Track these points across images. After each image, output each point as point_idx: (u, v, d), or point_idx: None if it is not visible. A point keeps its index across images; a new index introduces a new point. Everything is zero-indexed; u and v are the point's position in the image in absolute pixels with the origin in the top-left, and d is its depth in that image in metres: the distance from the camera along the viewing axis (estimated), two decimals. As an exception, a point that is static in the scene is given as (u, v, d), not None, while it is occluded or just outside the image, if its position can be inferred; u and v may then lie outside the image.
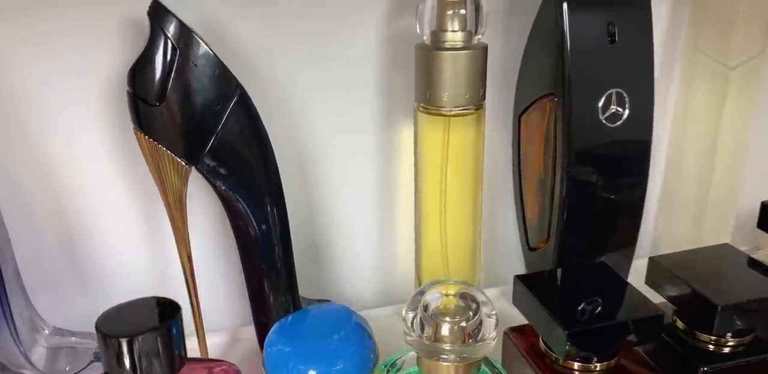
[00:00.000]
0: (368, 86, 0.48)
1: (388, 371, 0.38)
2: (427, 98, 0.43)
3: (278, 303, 0.43)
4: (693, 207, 0.55)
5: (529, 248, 0.52)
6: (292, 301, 0.43)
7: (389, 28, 0.47)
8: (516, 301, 0.41)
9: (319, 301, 0.47)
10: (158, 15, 0.36)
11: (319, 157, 0.49)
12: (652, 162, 0.57)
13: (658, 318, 0.37)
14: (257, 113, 0.39)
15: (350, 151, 0.50)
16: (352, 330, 0.35)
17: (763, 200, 0.45)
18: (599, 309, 0.37)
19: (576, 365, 0.38)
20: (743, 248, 0.48)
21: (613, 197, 0.47)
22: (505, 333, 0.42)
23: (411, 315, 0.35)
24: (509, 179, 0.53)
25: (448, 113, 0.43)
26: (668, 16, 0.54)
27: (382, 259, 0.53)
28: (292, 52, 0.46)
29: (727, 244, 0.44)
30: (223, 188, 0.39)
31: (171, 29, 0.36)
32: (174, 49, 0.36)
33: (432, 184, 0.46)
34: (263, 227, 0.40)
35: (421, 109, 0.44)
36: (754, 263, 0.41)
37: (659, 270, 0.41)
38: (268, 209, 0.41)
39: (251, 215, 0.40)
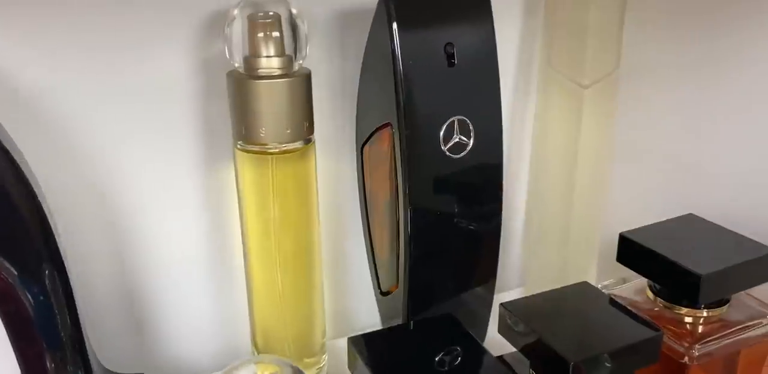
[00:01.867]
0: (183, 122, 0.42)
1: None
2: (243, 135, 0.37)
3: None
4: (557, 235, 0.51)
5: (381, 292, 0.47)
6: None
7: (202, 52, 0.40)
8: (350, 366, 0.36)
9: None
10: None
11: (132, 208, 0.42)
12: (516, 187, 0.54)
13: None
14: (13, 158, 0.32)
15: (169, 198, 0.43)
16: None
17: (621, 231, 0.42)
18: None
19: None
20: (607, 282, 0.45)
21: (465, 230, 0.43)
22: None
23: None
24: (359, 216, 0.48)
25: (269, 151, 0.38)
26: (520, 34, 0.50)
27: (218, 316, 0.47)
28: (84, 88, 0.39)
29: (585, 282, 0.40)
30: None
31: None
32: None
33: (260, 229, 0.40)
34: (41, 298, 0.33)
35: (238, 147, 0.38)
36: (616, 305, 0.38)
37: (509, 319, 0.37)
38: (46, 277, 0.34)
39: (23, 288, 0.33)
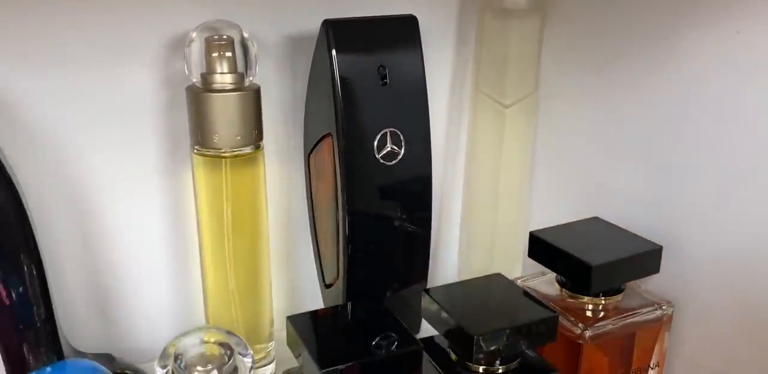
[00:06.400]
0: (147, 130, 0.47)
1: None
2: (199, 141, 0.43)
3: (39, 363, 0.41)
4: (487, 240, 0.57)
5: (325, 285, 0.52)
6: (58, 359, 0.41)
7: (165, 69, 0.46)
8: (289, 343, 0.41)
9: (97, 355, 0.45)
10: None
11: (101, 207, 0.48)
12: (452, 197, 0.60)
13: (417, 352, 0.38)
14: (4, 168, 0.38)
15: (134, 198, 0.48)
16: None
17: (532, 230, 0.48)
18: (359, 346, 0.38)
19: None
20: (523, 276, 0.51)
21: (398, 233, 0.49)
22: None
23: (162, 370, 0.34)
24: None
25: (222, 155, 0.43)
26: (454, 61, 0.57)
27: (176, 306, 0.52)
28: (60, 98, 0.44)
29: (499, 274, 0.46)
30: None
31: None
32: None
33: (214, 226, 0.46)
34: (20, 288, 0.39)
35: (195, 151, 0.44)
36: (523, 293, 0.44)
37: (429, 303, 0.43)
38: (25, 269, 0.39)
39: (5, 279, 0.38)
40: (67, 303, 0.47)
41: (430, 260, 0.52)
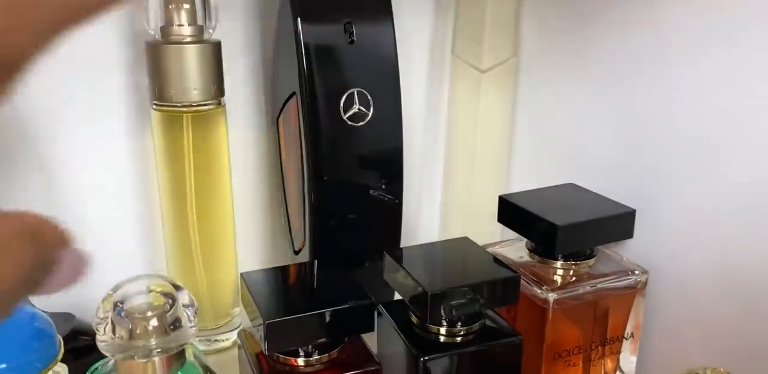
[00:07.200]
0: (110, 89, 0.47)
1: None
2: (156, 95, 0.42)
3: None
4: (465, 208, 0.56)
5: (294, 251, 0.51)
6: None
7: (130, 28, 0.46)
8: (243, 300, 0.40)
9: (56, 314, 0.44)
10: None
11: (66, 163, 0.47)
12: (434, 166, 0.59)
13: (367, 308, 0.37)
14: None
15: (99, 154, 0.48)
16: (20, 331, 0.33)
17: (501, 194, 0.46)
18: (310, 300, 0.37)
19: (298, 360, 0.37)
20: (493, 242, 0.49)
21: (366, 199, 0.48)
22: (240, 332, 0.41)
23: (101, 315, 0.34)
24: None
25: (181, 110, 0.43)
26: (433, 23, 0.55)
27: (141, 268, 0.51)
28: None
29: (465, 237, 0.44)
30: None
31: None
32: None
33: (176, 186, 0.45)
34: None
35: (154, 107, 0.43)
36: (487, 255, 0.42)
37: (390, 263, 0.41)
38: None
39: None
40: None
41: (412, 230, 0.50)
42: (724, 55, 0.39)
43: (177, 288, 0.35)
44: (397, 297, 0.44)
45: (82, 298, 0.50)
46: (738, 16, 0.38)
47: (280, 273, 0.41)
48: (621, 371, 0.47)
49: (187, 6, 0.41)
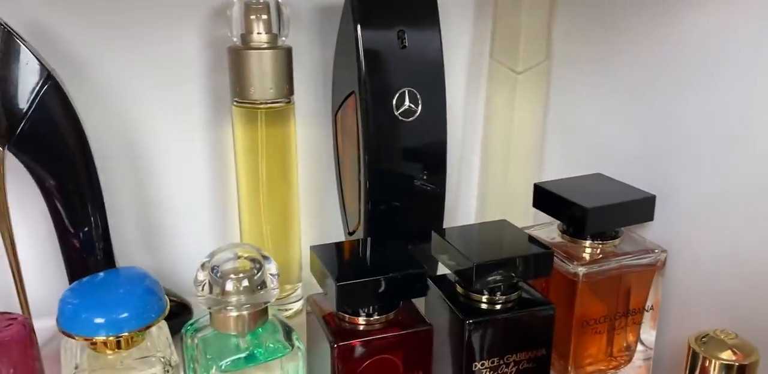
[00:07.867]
0: (195, 86, 0.54)
1: (187, 330, 0.42)
2: (238, 93, 0.49)
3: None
4: (501, 197, 0.62)
5: (349, 233, 0.57)
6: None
7: (210, 34, 0.53)
8: (312, 270, 0.46)
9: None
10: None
11: (156, 153, 0.54)
12: (472, 160, 0.65)
13: (420, 275, 0.43)
14: (69, 101, 0.44)
15: (181, 145, 0.55)
16: (137, 286, 0.39)
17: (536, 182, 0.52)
18: (372, 268, 0.43)
19: (360, 319, 0.43)
20: (531, 224, 0.55)
21: (414, 186, 0.54)
22: (308, 298, 0.47)
23: (201, 277, 0.40)
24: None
25: (258, 106, 0.49)
26: (472, 31, 0.62)
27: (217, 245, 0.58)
28: (118, 56, 0.51)
29: (504, 220, 0.50)
30: (36, 167, 0.43)
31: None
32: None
33: (250, 173, 0.51)
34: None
35: (234, 104, 0.50)
36: (524, 234, 0.48)
37: (438, 241, 0.47)
38: (85, 190, 0.45)
39: (66, 196, 0.44)
40: (119, 241, 0.54)
41: (451, 216, 0.56)
42: (738, 59, 0.44)
43: (265, 257, 0.41)
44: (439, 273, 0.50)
45: (164, 276, 0.57)
46: (748, 28, 0.43)
47: (343, 247, 0.48)
48: (642, 342, 0.53)
49: (265, 17, 0.48)
